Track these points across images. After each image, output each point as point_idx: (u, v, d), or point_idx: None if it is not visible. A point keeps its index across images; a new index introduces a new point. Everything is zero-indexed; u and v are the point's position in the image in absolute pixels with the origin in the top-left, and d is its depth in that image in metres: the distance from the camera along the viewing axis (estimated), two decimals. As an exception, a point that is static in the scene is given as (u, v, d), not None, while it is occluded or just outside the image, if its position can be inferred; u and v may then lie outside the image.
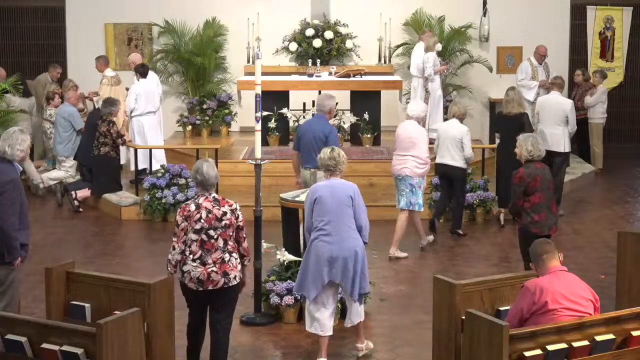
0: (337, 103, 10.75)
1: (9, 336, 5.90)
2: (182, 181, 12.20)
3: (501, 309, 6.59)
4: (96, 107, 13.73)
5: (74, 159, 13.42)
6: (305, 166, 9.91)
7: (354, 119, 14.13)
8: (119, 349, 5.73)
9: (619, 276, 7.99)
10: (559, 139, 11.95)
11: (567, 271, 6.17)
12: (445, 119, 14.82)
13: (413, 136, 10.27)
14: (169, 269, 6.90)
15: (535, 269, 6.24)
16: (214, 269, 6.81)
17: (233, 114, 15.70)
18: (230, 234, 6.90)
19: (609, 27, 15.92)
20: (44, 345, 5.79)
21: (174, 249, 6.87)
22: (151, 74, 14.27)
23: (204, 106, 15.68)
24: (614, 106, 16.24)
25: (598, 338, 5.85)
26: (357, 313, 7.59)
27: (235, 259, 6.92)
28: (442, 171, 11.23)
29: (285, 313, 8.39)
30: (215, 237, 6.85)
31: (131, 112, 13.54)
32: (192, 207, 6.90)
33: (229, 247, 6.89)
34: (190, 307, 7.06)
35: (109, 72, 14.40)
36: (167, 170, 12.31)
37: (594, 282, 7.64)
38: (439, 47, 14.42)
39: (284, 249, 8.55)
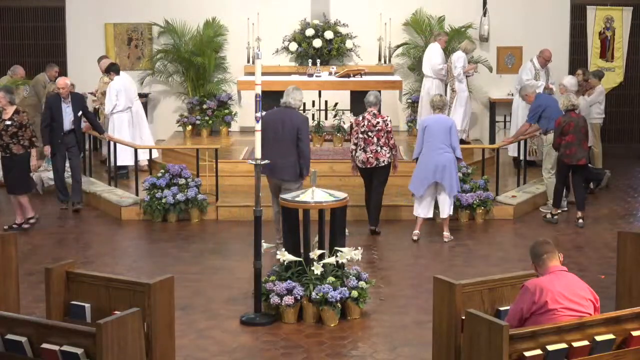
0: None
1: (9, 336, 5.89)
2: (182, 181, 12.17)
3: (501, 309, 6.58)
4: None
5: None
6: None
7: (353, 119, 14.07)
8: (119, 349, 5.72)
9: (619, 276, 7.97)
10: None
11: (567, 271, 6.17)
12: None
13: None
14: (351, 154, 11.22)
15: (536, 268, 6.24)
16: (370, 155, 10.97)
17: (233, 114, 15.69)
18: (382, 135, 10.94)
19: (609, 27, 15.91)
20: (44, 345, 5.78)
21: (353, 144, 11.08)
22: (124, 74, 14.36)
23: (204, 106, 15.67)
24: (614, 106, 16.25)
25: (598, 338, 5.84)
26: (449, 208, 10.98)
27: (385, 150, 10.96)
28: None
29: (285, 313, 8.38)
30: (372, 136, 10.97)
31: (113, 108, 13.70)
32: (360, 118, 11.15)
33: (380, 142, 10.95)
34: (362, 178, 11.31)
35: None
36: (167, 170, 12.29)
37: (594, 282, 7.64)
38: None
39: (284, 249, 8.56)
